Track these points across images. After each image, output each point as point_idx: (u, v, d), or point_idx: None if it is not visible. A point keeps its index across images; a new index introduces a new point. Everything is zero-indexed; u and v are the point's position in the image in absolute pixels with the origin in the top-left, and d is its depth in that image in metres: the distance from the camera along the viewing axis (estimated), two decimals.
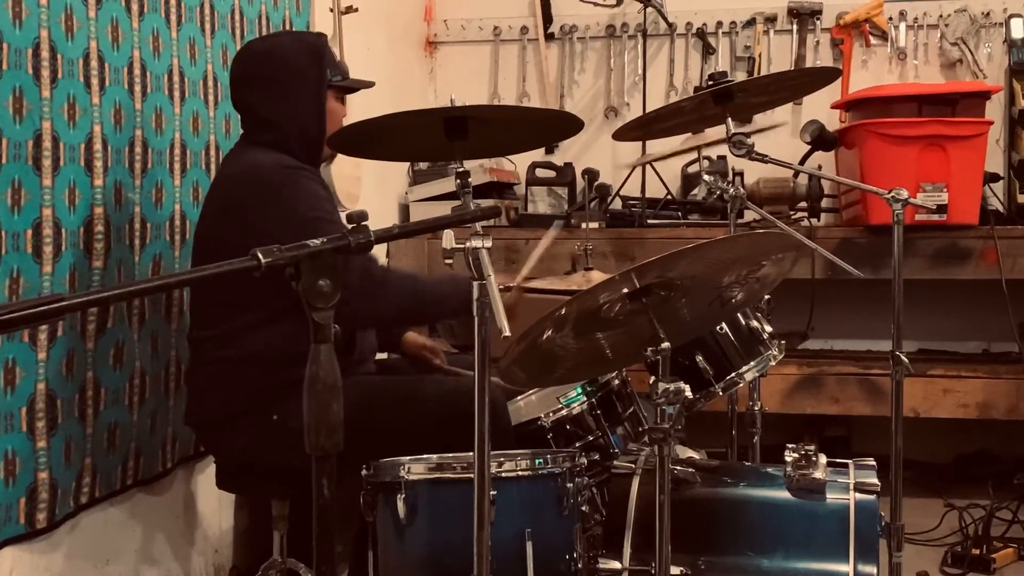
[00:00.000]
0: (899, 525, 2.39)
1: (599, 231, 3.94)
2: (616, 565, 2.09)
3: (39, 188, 2.17)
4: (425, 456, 2.04)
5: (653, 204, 4.13)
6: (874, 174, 3.54)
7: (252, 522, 3.03)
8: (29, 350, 2.15)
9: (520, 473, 2.02)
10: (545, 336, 1.93)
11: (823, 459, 2.16)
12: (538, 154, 4.42)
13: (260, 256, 1.34)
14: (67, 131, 2.24)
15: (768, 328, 2.53)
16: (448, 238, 1.72)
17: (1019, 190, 3.79)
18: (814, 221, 3.96)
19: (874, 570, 2.04)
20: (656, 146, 4.01)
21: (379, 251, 3.90)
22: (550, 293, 2.96)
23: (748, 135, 2.53)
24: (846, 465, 2.19)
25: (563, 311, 1.86)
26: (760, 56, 4.39)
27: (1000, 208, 3.86)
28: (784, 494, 2.14)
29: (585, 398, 2.52)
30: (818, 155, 3.93)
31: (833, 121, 4.01)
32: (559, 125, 2.40)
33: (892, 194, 2.44)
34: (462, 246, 1.67)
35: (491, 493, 1.71)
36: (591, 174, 3.85)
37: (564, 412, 2.50)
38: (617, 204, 4.17)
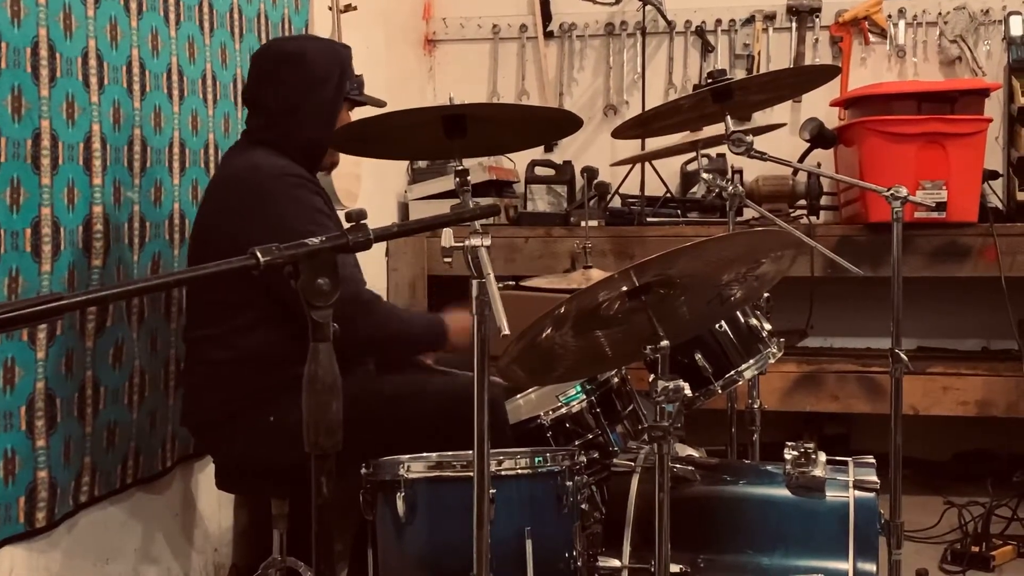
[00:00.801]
0: (898, 523, 2.39)
1: (598, 229, 3.94)
2: (616, 563, 2.09)
3: (38, 187, 2.17)
4: (425, 455, 2.04)
5: (652, 202, 4.13)
6: (873, 172, 3.54)
7: (252, 521, 3.02)
8: (28, 349, 2.15)
9: (520, 471, 2.02)
10: (544, 334, 1.93)
11: (822, 457, 2.16)
12: (537, 152, 4.42)
13: (259, 255, 1.34)
14: (66, 130, 2.24)
15: (767, 326, 2.53)
16: (447, 236, 1.72)
17: (1018, 187, 3.79)
18: (813, 219, 3.96)
19: (873, 568, 2.04)
20: (653, 143, 4.01)
21: (378, 249, 3.90)
22: (549, 291, 2.96)
23: (747, 133, 2.53)
24: (845, 463, 2.19)
25: (562, 309, 1.86)
26: (759, 54, 4.39)
27: (999, 205, 3.86)
28: (783, 492, 2.14)
29: (584, 396, 2.52)
30: (817, 153, 3.93)
31: (832, 119, 4.01)
32: (558, 123, 2.40)
33: (891, 192, 2.44)
34: (461, 244, 1.67)
35: (491, 491, 1.71)
36: (590, 172, 3.85)
37: (563, 410, 2.50)
38: (616, 202, 4.17)
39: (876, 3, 4.27)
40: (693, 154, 3.97)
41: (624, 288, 1.91)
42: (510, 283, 3.39)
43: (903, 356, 2.43)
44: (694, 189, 4.21)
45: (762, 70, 4.31)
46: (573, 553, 2.05)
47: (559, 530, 2.04)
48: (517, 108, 2.81)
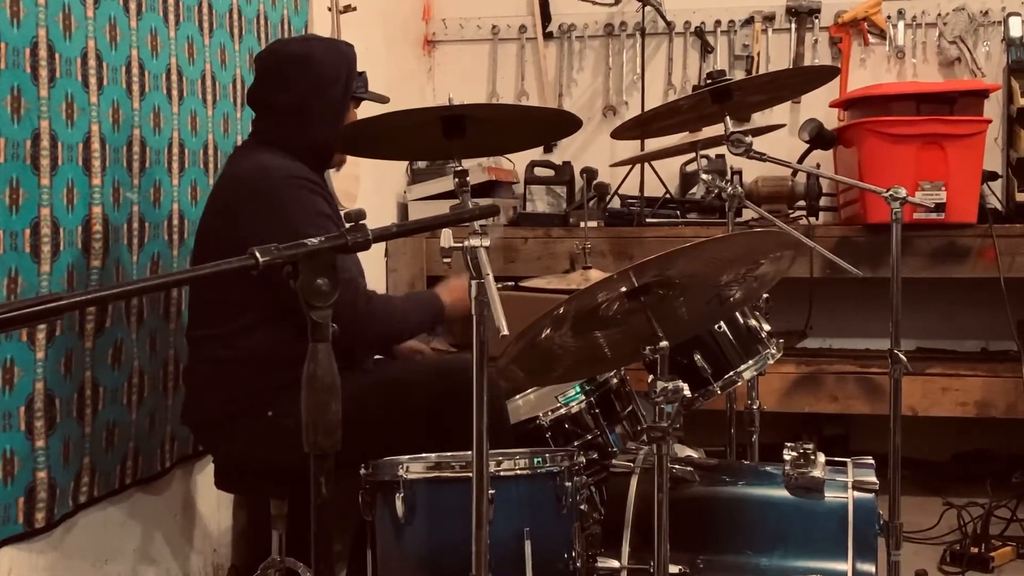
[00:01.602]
0: (897, 523, 2.39)
1: (597, 230, 3.94)
2: (615, 564, 2.09)
3: (37, 187, 2.16)
4: (424, 455, 2.04)
5: (651, 203, 4.13)
6: (872, 172, 3.54)
7: (251, 521, 3.02)
8: (27, 349, 2.15)
9: (519, 472, 2.02)
10: (543, 335, 1.93)
11: (821, 458, 2.16)
12: (536, 153, 4.42)
13: (258, 255, 1.34)
14: (65, 130, 2.24)
15: (766, 327, 2.53)
16: (446, 237, 1.72)
17: (1017, 188, 3.80)
18: (812, 220, 3.96)
19: (872, 568, 2.04)
20: (652, 144, 4.01)
21: (377, 249, 3.91)
22: (548, 292, 2.96)
23: (746, 134, 2.53)
24: (844, 464, 2.19)
25: (561, 310, 1.86)
26: (758, 55, 4.39)
27: (998, 206, 3.86)
28: (783, 493, 2.14)
29: (584, 397, 2.52)
30: (816, 154, 3.94)
31: (831, 120, 4.01)
32: (557, 124, 2.40)
33: (890, 192, 2.44)
34: (460, 245, 1.67)
35: (490, 492, 1.71)
36: (589, 173, 3.86)
37: (563, 411, 2.51)
38: (616, 203, 4.17)
39: (875, 4, 4.27)
40: (692, 155, 3.97)
41: (623, 289, 1.91)
42: (509, 284, 3.39)
43: (902, 357, 2.43)
44: (693, 190, 4.22)
45: (761, 71, 4.32)
46: (572, 554, 2.05)
47: (558, 531, 2.04)
48: (516, 109, 2.80)
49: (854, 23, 4.31)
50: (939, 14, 4.23)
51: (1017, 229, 3.67)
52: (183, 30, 2.69)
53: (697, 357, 2.44)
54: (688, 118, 2.76)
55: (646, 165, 4.19)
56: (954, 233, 3.65)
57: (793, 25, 4.35)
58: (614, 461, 2.27)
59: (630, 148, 4.12)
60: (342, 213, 2.52)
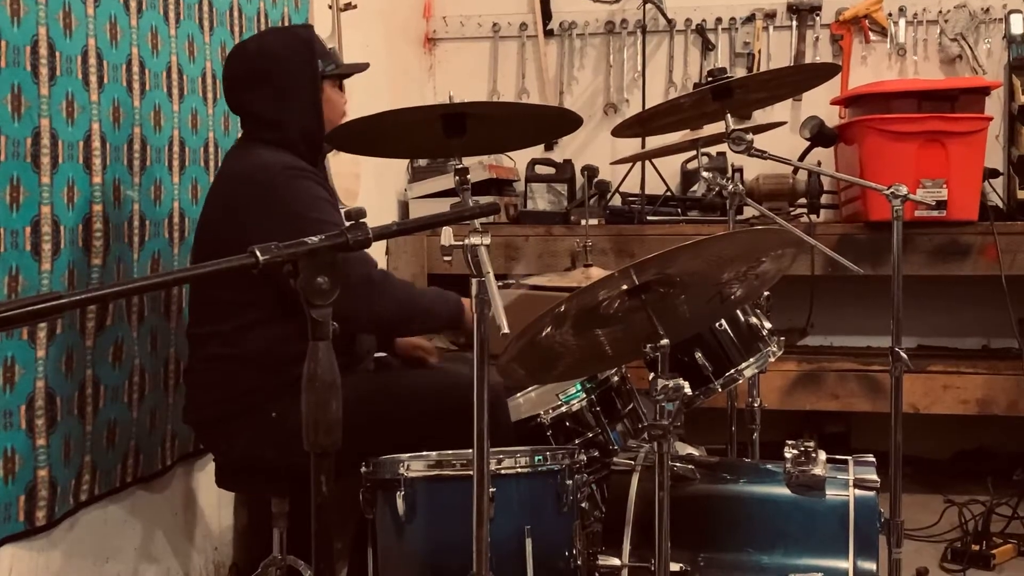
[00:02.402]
0: (899, 521, 2.38)
1: (598, 228, 3.94)
2: (615, 562, 2.09)
3: (38, 186, 2.16)
4: (424, 453, 2.04)
5: (652, 201, 4.13)
6: (873, 170, 3.54)
7: (252, 519, 3.02)
8: (28, 348, 2.15)
9: (519, 470, 2.02)
10: (544, 333, 1.93)
11: (822, 455, 2.16)
12: (537, 151, 4.42)
13: (258, 253, 1.34)
14: (65, 128, 2.24)
15: (767, 324, 2.53)
16: (447, 235, 1.71)
17: (1019, 186, 3.79)
18: (813, 217, 3.96)
19: (874, 566, 2.04)
20: (653, 142, 4.01)
21: (378, 248, 3.90)
22: (549, 290, 2.95)
23: (747, 131, 2.53)
24: (845, 461, 2.19)
25: (562, 308, 1.85)
26: (759, 52, 4.39)
27: (1000, 204, 3.86)
28: (783, 490, 2.14)
29: (584, 395, 2.52)
30: (817, 151, 3.93)
31: (832, 117, 4.00)
32: (558, 122, 2.39)
33: (891, 190, 2.44)
34: (461, 243, 1.67)
35: (490, 490, 1.71)
36: (590, 171, 3.85)
37: (563, 409, 2.50)
38: (616, 201, 4.17)
39: (876, 1, 4.27)
40: (693, 152, 3.96)
41: (624, 287, 1.90)
42: (509, 282, 3.39)
43: (903, 354, 2.43)
44: (694, 187, 4.22)
45: (762, 68, 4.31)
46: (573, 552, 2.05)
47: (559, 529, 2.04)
48: (517, 106, 2.81)
49: (855, 20, 4.30)
50: (940, 11, 4.23)
51: (1018, 227, 3.67)
52: (183, 28, 2.69)
53: (698, 355, 2.44)
54: (689, 116, 2.75)
55: (647, 163, 4.19)
56: (955, 231, 3.65)
57: (794, 22, 4.35)
58: (615, 459, 2.27)
59: (631, 146, 4.12)
60: (342, 211, 2.53)
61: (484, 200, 1.75)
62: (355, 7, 3.48)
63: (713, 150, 3.97)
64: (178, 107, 2.68)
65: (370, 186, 3.62)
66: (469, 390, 1.67)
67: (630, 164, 4.13)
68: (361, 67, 2.63)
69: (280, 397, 2.27)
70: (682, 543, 1.99)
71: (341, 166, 3.16)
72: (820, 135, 3.78)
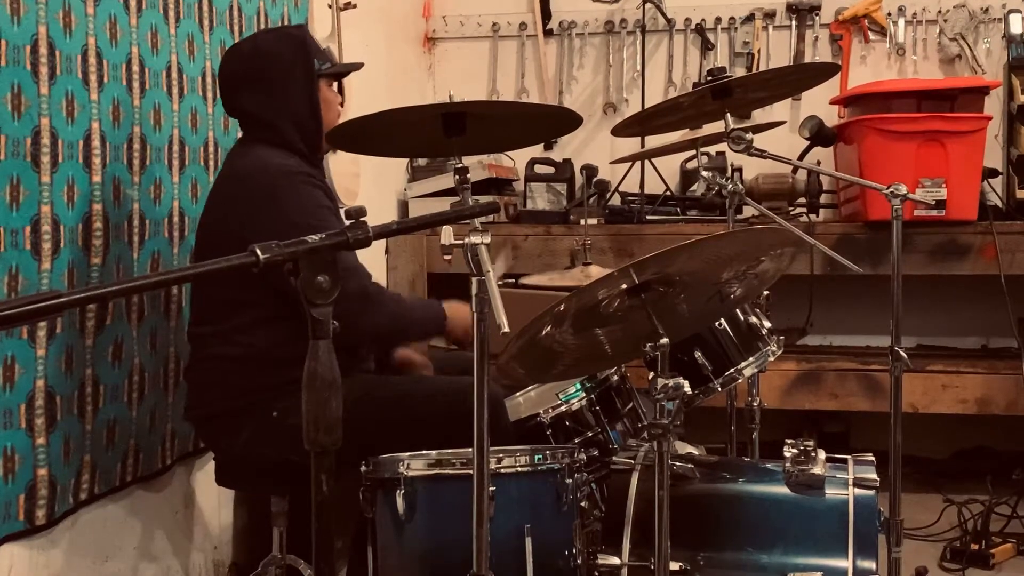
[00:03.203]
0: (898, 520, 2.38)
1: (598, 227, 3.94)
2: (615, 561, 2.09)
3: (37, 185, 2.16)
4: (424, 452, 2.04)
5: (652, 200, 4.13)
6: (873, 170, 3.54)
7: (252, 518, 3.03)
8: (28, 347, 2.15)
9: (519, 469, 2.02)
10: (544, 332, 1.93)
11: (822, 455, 2.16)
12: (537, 150, 4.42)
13: (258, 252, 1.34)
14: (65, 128, 2.24)
15: (767, 324, 2.53)
16: (447, 234, 1.72)
17: (1018, 185, 3.80)
18: (813, 217, 3.96)
19: (873, 565, 2.04)
20: (652, 141, 4.01)
21: (378, 247, 3.90)
22: (549, 289, 2.96)
23: (746, 131, 2.53)
24: (845, 461, 2.19)
25: (562, 307, 1.86)
26: (759, 52, 4.39)
27: (999, 204, 3.86)
28: (783, 490, 2.14)
29: (584, 394, 2.52)
30: (817, 151, 3.93)
31: (832, 117, 4.01)
32: (558, 121, 2.40)
33: (891, 190, 2.44)
34: (461, 242, 1.67)
35: (490, 489, 1.71)
36: (590, 170, 3.85)
37: (563, 408, 2.50)
38: (616, 200, 4.17)
39: (876, 1, 4.27)
40: (693, 152, 3.96)
41: (624, 286, 1.91)
42: (510, 281, 3.39)
43: (903, 354, 2.43)
44: (694, 187, 4.22)
45: (762, 68, 4.31)
46: (573, 551, 2.05)
47: (559, 528, 2.04)
48: (517, 106, 2.81)
49: (854, 20, 4.31)
50: (939, 11, 4.24)
51: (1017, 226, 3.67)
52: (183, 27, 2.69)
53: (698, 354, 2.44)
54: (688, 115, 2.76)
55: (646, 162, 4.19)
56: (954, 230, 3.65)
57: (793, 22, 4.35)
58: (615, 458, 2.27)
59: (630, 145, 4.12)
60: (342, 211, 2.53)
61: (484, 199, 1.75)
62: (355, 6, 3.48)
63: (712, 149, 3.98)
64: (178, 106, 2.68)
65: (369, 185, 3.62)
66: (468, 395, 1.68)
67: (629, 163, 4.13)
68: (356, 66, 2.63)
69: (281, 396, 2.27)
70: (682, 542, 1.99)
71: (340, 165, 3.16)
72: (819, 135, 3.78)
